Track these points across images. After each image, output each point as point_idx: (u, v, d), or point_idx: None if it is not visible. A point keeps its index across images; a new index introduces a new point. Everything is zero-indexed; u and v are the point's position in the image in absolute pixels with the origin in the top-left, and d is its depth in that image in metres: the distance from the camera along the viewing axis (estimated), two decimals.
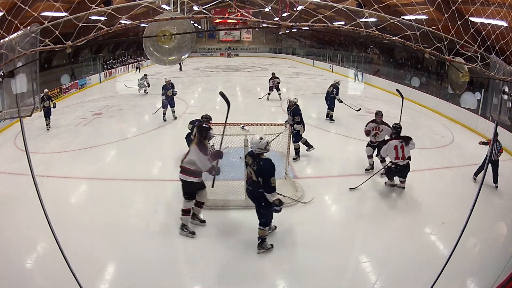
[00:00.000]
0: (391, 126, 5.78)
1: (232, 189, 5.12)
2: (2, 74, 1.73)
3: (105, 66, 20.41)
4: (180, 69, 22.78)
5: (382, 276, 3.60)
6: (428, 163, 6.61)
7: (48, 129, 8.84)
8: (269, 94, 12.84)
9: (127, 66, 22.74)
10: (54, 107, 9.03)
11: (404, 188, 5.52)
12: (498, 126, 2.70)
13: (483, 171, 2.54)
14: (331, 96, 9.56)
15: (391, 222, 4.63)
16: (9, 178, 5.85)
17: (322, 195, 5.40)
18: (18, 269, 3.58)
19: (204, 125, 4.26)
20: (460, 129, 9.61)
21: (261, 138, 3.63)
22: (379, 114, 6.19)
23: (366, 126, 6.27)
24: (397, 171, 5.34)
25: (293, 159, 6.52)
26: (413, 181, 5.94)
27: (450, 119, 10.54)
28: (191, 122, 5.95)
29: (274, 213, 3.76)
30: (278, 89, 12.72)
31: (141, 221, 4.62)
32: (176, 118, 9.72)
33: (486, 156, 5.44)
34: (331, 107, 9.70)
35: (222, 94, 4.47)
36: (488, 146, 5.58)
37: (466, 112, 9.73)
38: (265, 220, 3.79)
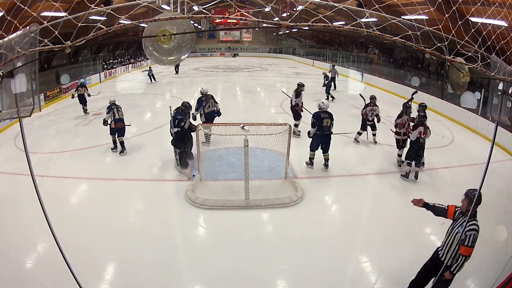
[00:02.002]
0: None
1: (232, 189, 5.12)
2: (2, 74, 1.73)
3: (105, 66, 20.40)
4: (177, 72, 20.49)
5: (382, 276, 3.60)
6: (428, 163, 6.61)
7: (86, 114, 10.44)
8: (360, 134, 7.79)
9: (127, 66, 22.72)
10: (88, 95, 10.50)
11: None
12: (498, 126, 2.69)
13: (483, 171, 2.45)
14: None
15: (391, 222, 4.63)
16: (9, 178, 5.85)
17: (322, 195, 5.39)
18: (18, 269, 3.59)
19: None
20: (460, 129, 9.60)
21: (323, 102, 6.16)
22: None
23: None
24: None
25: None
26: (413, 180, 5.94)
27: (450, 119, 10.53)
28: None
29: None
30: (374, 127, 7.62)
31: (141, 221, 4.62)
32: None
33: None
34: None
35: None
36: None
37: (466, 112, 9.71)
38: (328, 147, 6.05)
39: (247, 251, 3.97)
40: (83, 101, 10.57)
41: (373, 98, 7.54)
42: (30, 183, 2.13)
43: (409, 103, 6.59)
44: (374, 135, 7.72)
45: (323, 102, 6.05)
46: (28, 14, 2.06)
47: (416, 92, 7.53)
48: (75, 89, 10.81)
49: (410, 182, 5.89)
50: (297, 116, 8.21)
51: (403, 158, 6.30)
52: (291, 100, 8.27)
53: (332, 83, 14.08)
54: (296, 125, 8.09)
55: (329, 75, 13.47)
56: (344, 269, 3.69)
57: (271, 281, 3.55)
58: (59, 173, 5.98)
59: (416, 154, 5.77)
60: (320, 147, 6.05)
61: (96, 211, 4.78)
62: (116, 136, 7.04)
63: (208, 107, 7.27)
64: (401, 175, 6.02)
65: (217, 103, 7.53)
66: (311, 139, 6.10)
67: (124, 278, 3.52)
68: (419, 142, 5.66)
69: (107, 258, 3.79)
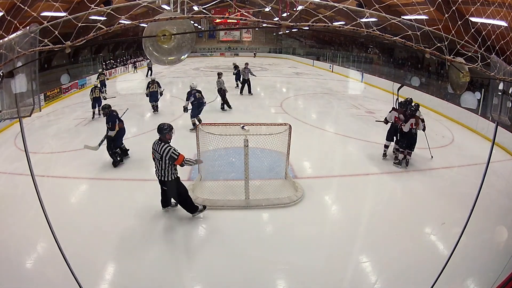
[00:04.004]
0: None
1: (232, 189, 5.12)
2: (2, 74, 1.73)
3: (105, 66, 20.40)
4: (150, 74, 18.60)
5: (382, 276, 3.60)
6: (428, 163, 6.61)
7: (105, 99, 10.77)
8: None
9: (127, 66, 22.72)
10: (107, 79, 12.79)
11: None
12: (498, 126, 2.69)
13: (483, 171, 2.42)
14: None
15: (391, 222, 4.63)
16: (9, 178, 5.85)
17: (322, 195, 5.39)
18: (18, 269, 3.58)
19: None
20: (460, 129, 9.61)
21: (193, 83, 8.76)
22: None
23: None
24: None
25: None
26: (413, 180, 5.95)
27: (450, 119, 10.54)
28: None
29: None
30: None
31: (141, 221, 4.62)
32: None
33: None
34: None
35: None
36: None
37: (466, 112, 9.72)
38: (201, 111, 8.65)
39: (247, 251, 3.96)
40: (102, 85, 12.41)
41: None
42: (30, 183, 2.13)
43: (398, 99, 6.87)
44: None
45: (193, 83, 8.71)
46: (28, 14, 2.06)
47: (402, 86, 7.89)
48: (96, 77, 13.08)
49: (409, 182, 5.90)
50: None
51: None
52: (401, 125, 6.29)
53: (246, 85, 13.69)
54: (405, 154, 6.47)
55: (239, 66, 14.77)
56: (344, 269, 3.68)
57: (271, 281, 3.55)
58: (59, 173, 5.97)
59: (408, 143, 6.25)
60: (199, 113, 8.56)
61: (96, 211, 4.78)
62: (96, 107, 9.97)
63: (152, 88, 10.19)
64: (393, 163, 6.51)
65: (160, 87, 10.36)
66: (189, 110, 8.48)
67: (124, 278, 3.52)
68: (411, 132, 6.19)
69: (107, 258, 3.79)
